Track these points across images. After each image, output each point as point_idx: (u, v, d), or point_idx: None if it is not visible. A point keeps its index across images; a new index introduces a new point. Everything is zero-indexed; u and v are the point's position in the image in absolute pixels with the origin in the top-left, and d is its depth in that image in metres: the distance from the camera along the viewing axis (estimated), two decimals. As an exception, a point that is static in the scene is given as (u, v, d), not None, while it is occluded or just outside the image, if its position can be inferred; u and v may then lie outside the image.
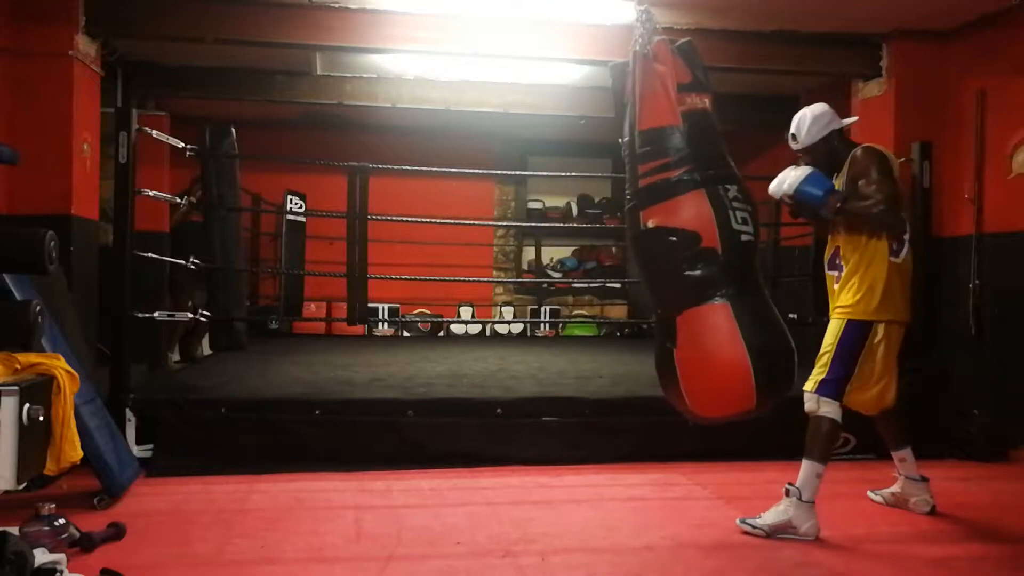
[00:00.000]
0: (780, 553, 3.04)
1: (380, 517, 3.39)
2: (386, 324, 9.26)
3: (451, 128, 8.71)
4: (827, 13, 5.21)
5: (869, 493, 3.75)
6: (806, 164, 3.40)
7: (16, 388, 2.40)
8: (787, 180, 3.22)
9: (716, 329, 2.66)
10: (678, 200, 2.70)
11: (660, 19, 5.18)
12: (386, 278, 7.06)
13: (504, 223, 9.94)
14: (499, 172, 9.31)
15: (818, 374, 3.27)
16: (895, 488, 3.64)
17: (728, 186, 2.73)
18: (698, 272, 2.66)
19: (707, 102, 2.83)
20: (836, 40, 5.62)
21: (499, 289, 10.05)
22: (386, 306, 9.22)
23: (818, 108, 3.41)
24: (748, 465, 4.28)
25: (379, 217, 5.74)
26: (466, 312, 9.49)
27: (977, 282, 5.14)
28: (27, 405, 2.42)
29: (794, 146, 3.45)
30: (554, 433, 4.32)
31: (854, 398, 3.33)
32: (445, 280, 8.48)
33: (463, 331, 9.35)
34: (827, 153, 3.36)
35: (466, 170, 8.40)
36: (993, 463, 4.49)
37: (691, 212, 2.69)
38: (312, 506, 3.54)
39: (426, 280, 8.31)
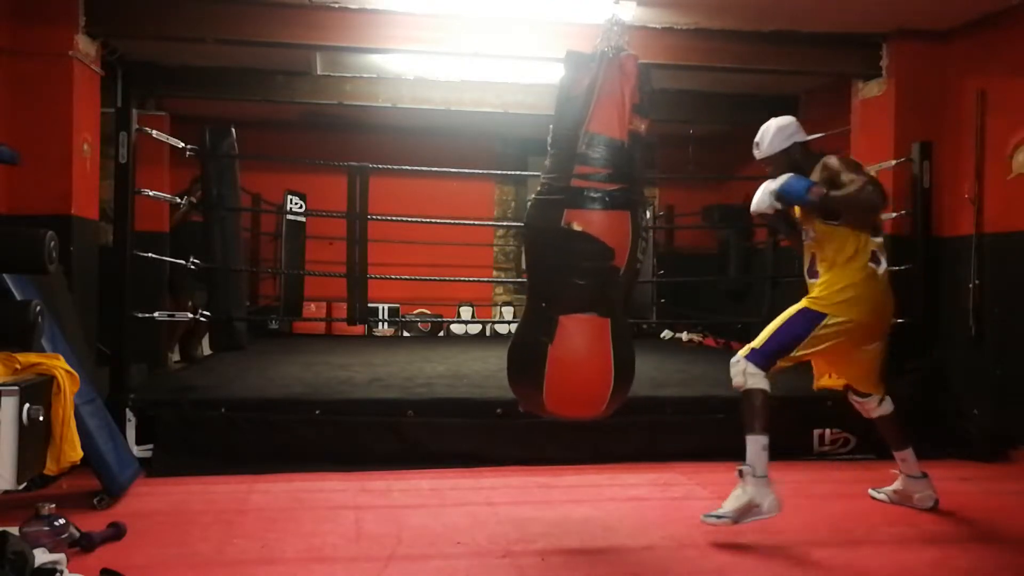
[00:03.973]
0: (780, 553, 3.04)
1: (380, 517, 3.38)
2: (386, 324, 9.25)
3: (451, 128, 8.71)
4: (827, 13, 5.21)
5: (871, 491, 3.75)
6: (768, 174, 3.50)
7: (16, 388, 2.40)
8: (772, 184, 3.33)
9: (594, 339, 2.81)
10: (609, 214, 2.81)
11: (660, 19, 5.28)
12: (386, 278, 7.06)
13: (504, 223, 9.93)
14: (499, 172, 9.30)
15: (753, 344, 3.36)
16: (897, 486, 3.66)
17: (643, 214, 2.91)
18: (598, 284, 2.79)
19: (644, 128, 2.94)
20: (836, 40, 5.62)
21: (499, 289, 10.05)
22: (386, 306, 9.22)
23: (783, 120, 3.52)
24: (748, 465, 4.27)
25: (379, 217, 5.74)
26: (466, 312, 9.49)
27: (977, 282, 5.13)
28: (27, 405, 2.42)
29: (757, 154, 3.56)
30: (554, 433, 4.31)
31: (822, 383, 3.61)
32: (445, 280, 8.48)
33: (463, 331, 9.34)
34: (788, 164, 3.45)
35: (466, 170, 8.39)
36: (993, 463, 4.48)
37: (616, 229, 2.80)
38: (312, 506, 3.53)
39: (426, 280, 8.30)
